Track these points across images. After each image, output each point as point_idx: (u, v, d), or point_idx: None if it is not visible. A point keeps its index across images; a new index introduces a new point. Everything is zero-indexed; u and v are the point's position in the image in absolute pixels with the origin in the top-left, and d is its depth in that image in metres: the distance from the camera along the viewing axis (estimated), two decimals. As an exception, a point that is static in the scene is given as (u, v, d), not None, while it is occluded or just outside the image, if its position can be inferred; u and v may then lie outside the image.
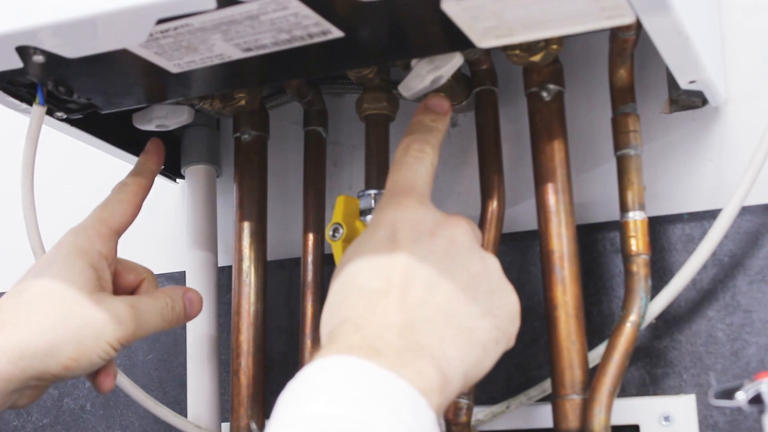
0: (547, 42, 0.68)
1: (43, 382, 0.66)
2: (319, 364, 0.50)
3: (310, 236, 0.82)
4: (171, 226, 0.96)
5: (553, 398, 0.70)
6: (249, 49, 0.61)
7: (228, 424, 0.81)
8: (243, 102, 0.78)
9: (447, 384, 0.52)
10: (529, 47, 0.69)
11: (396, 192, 0.59)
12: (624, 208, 0.71)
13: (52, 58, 0.61)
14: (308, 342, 0.79)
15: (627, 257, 0.70)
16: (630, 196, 0.71)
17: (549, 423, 0.71)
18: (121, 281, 0.72)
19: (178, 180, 0.92)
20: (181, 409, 0.88)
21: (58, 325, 0.64)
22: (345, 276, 0.56)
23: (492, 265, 0.58)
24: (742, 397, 0.60)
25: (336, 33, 0.59)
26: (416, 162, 0.61)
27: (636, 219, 0.70)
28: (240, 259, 0.81)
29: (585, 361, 0.69)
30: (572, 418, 0.68)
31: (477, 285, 0.56)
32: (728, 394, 0.61)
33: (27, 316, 0.64)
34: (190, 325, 0.87)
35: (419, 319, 0.53)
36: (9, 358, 0.63)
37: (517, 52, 0.69)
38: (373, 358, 0.50)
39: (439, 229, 0.57)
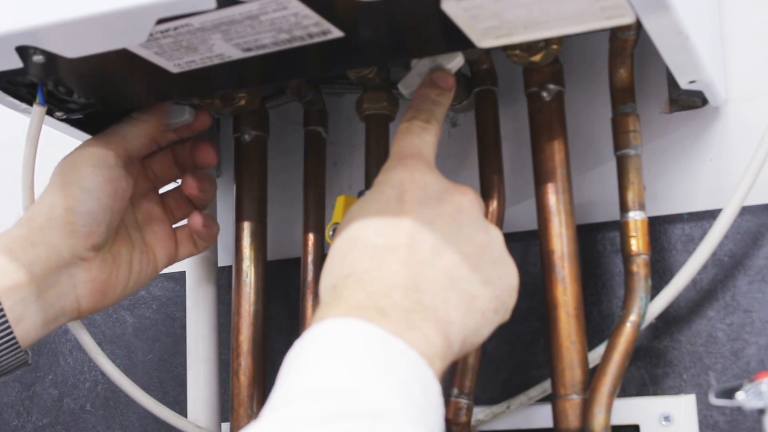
0: (547, 42, 0.68)
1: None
2: (326, 326, 0.49)
3: (310, 236, 0.82)
4: (171, 226, 0.96)
5: (553, 398, 0.70)
6: (249, 49, 0.61)
7: (228, 424, 0.81)
8: (243, 102, 0.78)
9: (449, 348, 0.52)
10: (529, 47, 0.69)
11: (403, 155, 0.59)
12: (624, 208, 0.71)
13: (52, 58, 0.61)
14: (308, 342, 0.79)
15: (627, 257, 0.70)
16: (630, 196, 0.71)
17: (549, 423, 0.71)
18: None
19: (178, 180, 0.92)
20: (181, 409, 0.88)
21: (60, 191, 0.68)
22: (349, 232, 0.56)
23: (496, 236, 0.58)
24: (742, 397, 0.60)
25: (336, 33, 0.59)
26: (422, 131, 0.61)
27: (636, 219, 0.70)
28: (240, 259, 0.81)
29: (585, 361, 0.69)
30: (572, 418, 0.68)
31: (480, 254, 0.56)
32: (728, 394, 0.61)
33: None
34: (190, 325, 0.87)
35: (424, 280, 0.53)
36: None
37: (517, 52, 0.69)
38: (379, 321, 0.49)
39: (447, 195, 0.57)
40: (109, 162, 0.69)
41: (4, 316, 0.63)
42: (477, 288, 0.55)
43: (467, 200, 0.58)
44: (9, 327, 0.63)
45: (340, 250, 0.56)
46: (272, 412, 0.45)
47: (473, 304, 0.55)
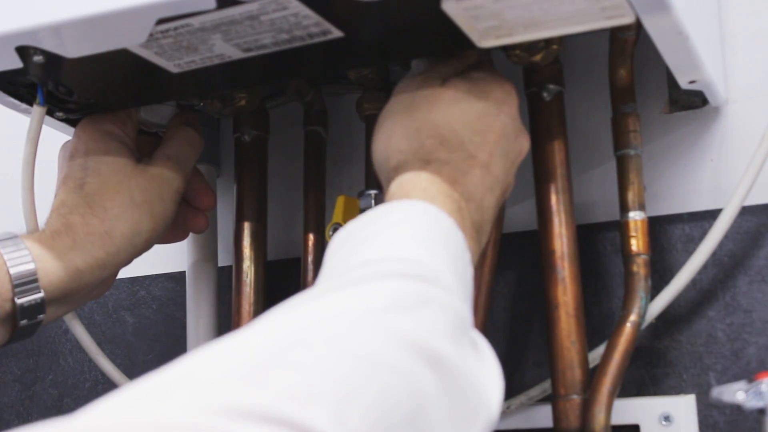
0: (547, 42, 0.68)
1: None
2: (424, 208, 0.56)
3: (310, 236, 0.82)
4: (171, 226, 0.96)
5: (553, 398, 0.70)
6: (249, 50, 0.61)
7: (228, 424, 0.81)
8: (243, 102, 0.78)
9: None
10: (529, 47, 0.69)
11: (507, 80, 0.65)
12: (624, 208, 0.71)
13: (52, 58, 0.61)
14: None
15: (627, 257, 0.70)
16: (630, 196, 0.71)
17: (549, 423, 0.71)
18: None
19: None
20: (181, 409, 0.88)
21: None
22: (451, 111, 0.61)
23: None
24: (742, 397, 0.60)
25: (336, 33, 0.59)
26: None
27: (636, 219, 0.70)
28: (240, 259, 0.81)
29: (585, 361, 0.69)
30: (572, 418, 0.68)
31: (508, 190, 0.65)
32: (728, 394, 0.61)
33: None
34: (190, 325, 0.87)
35: (486, 204, 0.61)
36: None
37: (517, 52, 0.69)
38: (460, 222, 0.57)
39: (521, 135, 0.64)
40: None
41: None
42: (496, 210, 0.63)
43: (526, 148, 0.65)
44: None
45: (437, 125, 0.60)
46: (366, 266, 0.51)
47: (491, 222, 0.63)
